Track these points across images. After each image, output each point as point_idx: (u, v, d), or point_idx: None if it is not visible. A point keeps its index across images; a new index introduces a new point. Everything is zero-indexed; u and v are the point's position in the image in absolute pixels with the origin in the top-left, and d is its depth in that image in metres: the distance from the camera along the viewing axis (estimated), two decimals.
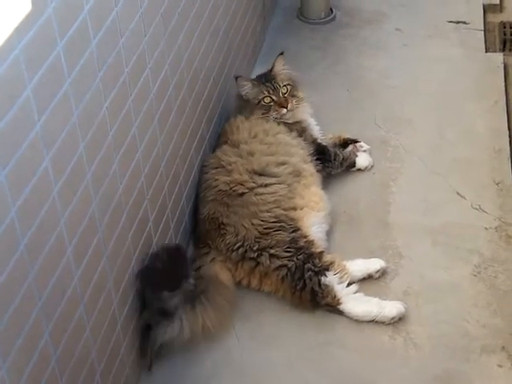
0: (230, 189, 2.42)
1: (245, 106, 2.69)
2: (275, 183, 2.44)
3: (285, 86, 2.70)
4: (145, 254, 2.06)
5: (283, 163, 2.51)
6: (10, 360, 1.39)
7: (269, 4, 3.63)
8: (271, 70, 2.75)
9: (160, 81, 2.09)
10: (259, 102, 2.67)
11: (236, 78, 2.70)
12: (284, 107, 2.67)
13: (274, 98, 2.67)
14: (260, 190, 2.41)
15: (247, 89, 2.69)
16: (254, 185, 2.42)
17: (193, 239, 2.52)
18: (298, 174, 2.51)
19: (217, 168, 2.50)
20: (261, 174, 2.46)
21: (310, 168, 2.59)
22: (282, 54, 2.79)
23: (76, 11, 1.56)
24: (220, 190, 2.43)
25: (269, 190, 2.42)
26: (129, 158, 1.90)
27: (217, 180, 2.46)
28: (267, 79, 2.71)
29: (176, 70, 2.23)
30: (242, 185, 2.42)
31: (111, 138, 1.78)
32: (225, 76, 2.83)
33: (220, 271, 2.32)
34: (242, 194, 2.40)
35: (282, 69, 2.76)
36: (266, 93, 2.67)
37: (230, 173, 2.46)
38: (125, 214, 1.90)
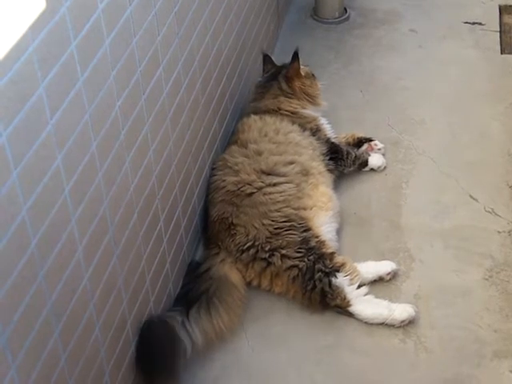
0: (238, 189, 2.41)
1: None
2: (284, 182, 2.43)
3: None
4: (155, 254, 2.06)
5: (291, 162, 2.49)
6: (19, 359, 1.39)
7: (283, 3, 3.62)
8: None
9: (173, 80, 2.08)
10: None
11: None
12: None
13: None
14: (268, 190, 2.40)
15: None
16: (262, 184, 2.41)
17: (203, 240, 2.51)
18: (306, 172, 2.50)
19: (224, 169, 2.49)
20: (269, 174, 2.44)
21: (318, 166, 2.57)
22: None
23: (90, 10, 1.55)
24: (228, 191, 2.42)
25: (277, 189, 2.41)
26: (140, 157, 1.90)
27: (224, 181, 2.45)
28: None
29: (189, 69, 2.23)
30: (249, 185, 2.41)
31: (123, 137, 1.77)
32: (238, 75, 2.82)
33: (230, 272, 2.31)
34: (251, 194, 2.39)
35: None
36: None
37: (237, 173, 2.45)
38: (136, 214, 1.90)
